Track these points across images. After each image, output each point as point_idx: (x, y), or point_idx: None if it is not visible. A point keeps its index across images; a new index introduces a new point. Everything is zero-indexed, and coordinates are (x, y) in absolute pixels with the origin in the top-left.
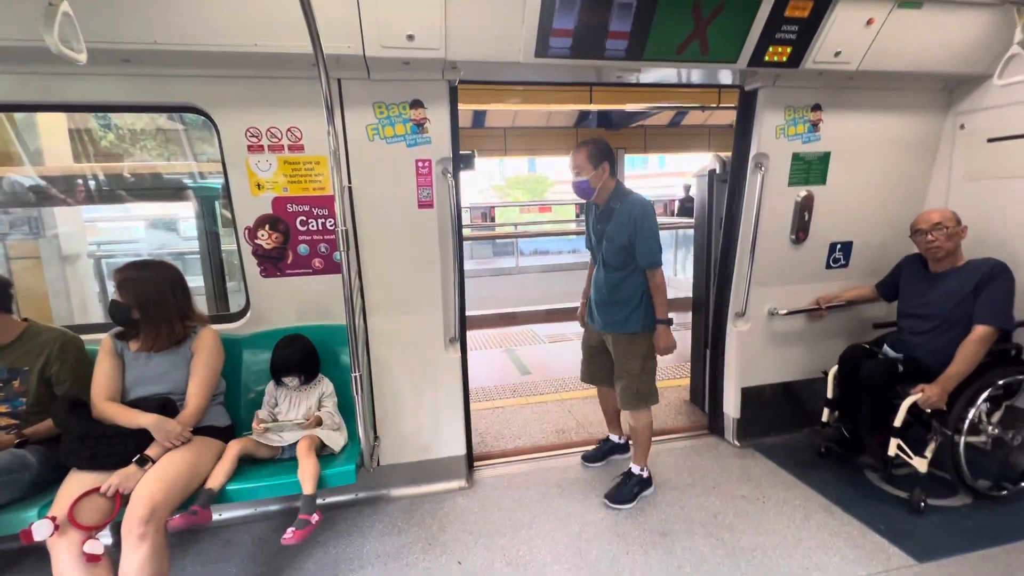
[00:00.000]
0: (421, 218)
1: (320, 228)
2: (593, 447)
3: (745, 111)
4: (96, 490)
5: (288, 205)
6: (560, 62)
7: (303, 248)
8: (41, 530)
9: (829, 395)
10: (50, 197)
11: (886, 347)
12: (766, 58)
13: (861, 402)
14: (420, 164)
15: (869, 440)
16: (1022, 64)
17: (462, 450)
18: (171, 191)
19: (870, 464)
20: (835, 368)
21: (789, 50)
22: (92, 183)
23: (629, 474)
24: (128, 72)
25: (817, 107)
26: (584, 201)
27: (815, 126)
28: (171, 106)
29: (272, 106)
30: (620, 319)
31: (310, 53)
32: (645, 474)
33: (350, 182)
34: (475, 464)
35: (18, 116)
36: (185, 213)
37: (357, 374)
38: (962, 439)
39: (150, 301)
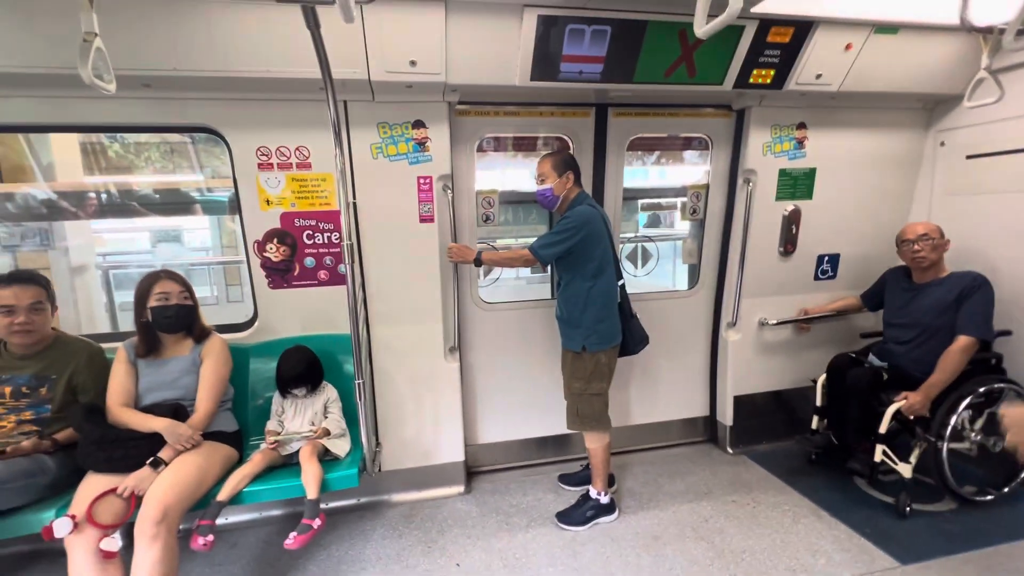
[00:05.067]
0: (422, 232)
1: (326, 241)
2: (575, 471)
3: (735, 129)
4: (112, 491)
5: (296, 220)
6: (555, 85)
7: (309, 261)
8: (61, 527)
9: (818, 403)
10: (62, 211)
11: (872, 356)
12: (751, 80)
13: (848, 409)
14: (421, 180)
15: (856, 446)
16: (990, 87)
17: (461, 457)
18: (182, 205)
19: (857, 469)
20: (823, 377)
21: (772, 73)
22: (103, 197)
23: (586, 496)
24: (147, 96)
25: (802, 125)
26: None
27: (800, 143)
28: (186, 127)
29: (281, 126)
30: (566, 333)
31: (318, 77)
32: (604, 500)
33: (355, 198)
34: (473, 470)
35: (32, 135)
36: (191, 225)
37: (360, 381)
38: (945, 445)
39: (196, 301)
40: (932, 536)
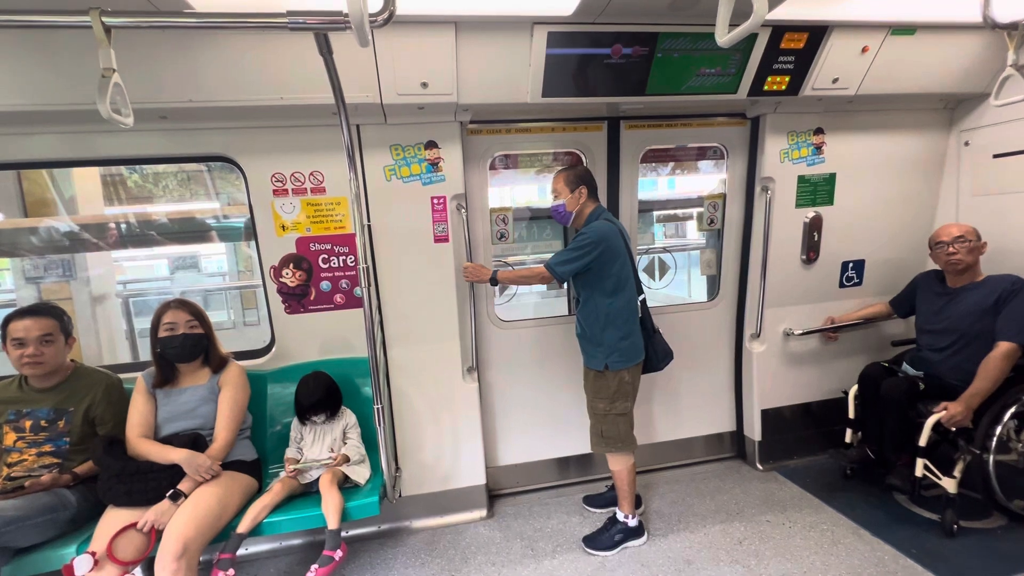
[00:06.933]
0: (437, 252)
1: (341, 265)
2: (600, 491)
3: (750, 137)
4: (133, 526)
5: (311, 244)
6: (567, 101)
7: (325, 284)
8: (82, 565)
9: (851, 415)
10: (84, 242)
11: (906, 365)
12: (765, 88)
13: (883, 422)
14: (435, 201)
15: (895, 460)
16: (1018, 84)
17: (482, 480)
18: (199, 232)
19: (897, 485)
20: (855, 387)
21: (787, 79)
22: (123, 227)
23: (613, 520)
24: (164, 127)
25: (819, 130)
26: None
27: (819, 149)
28: (202, 156)
29: (295, 152)
30: (587, 351)
31: (331, 103)
32: (632, 523)
33: (369, 220)
34: (495, 493)
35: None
36: (208, 251)
37: (379, 406)
38: (991, 457)
39: (211, 329)
40: (984, 555)
